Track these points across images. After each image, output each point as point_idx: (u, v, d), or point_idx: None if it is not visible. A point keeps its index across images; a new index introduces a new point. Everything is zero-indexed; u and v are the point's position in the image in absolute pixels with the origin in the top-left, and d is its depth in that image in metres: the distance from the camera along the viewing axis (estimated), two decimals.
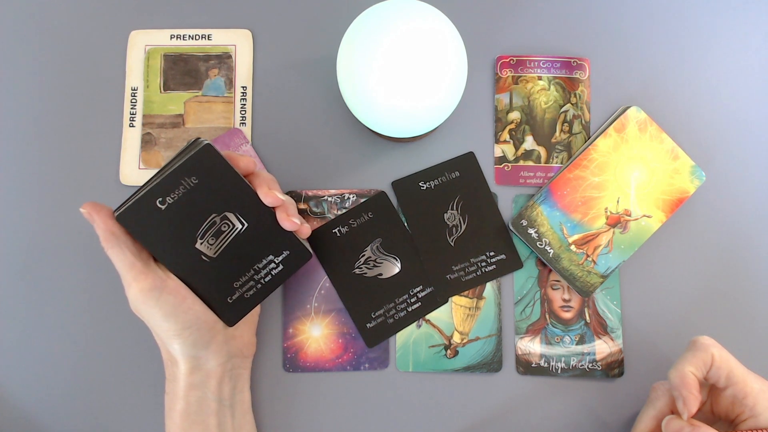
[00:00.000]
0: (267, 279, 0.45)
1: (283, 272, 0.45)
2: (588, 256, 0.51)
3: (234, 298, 0.45)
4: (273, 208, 0.44)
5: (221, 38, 0.54)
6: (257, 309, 0.49)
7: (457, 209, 0.52)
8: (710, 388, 0.44)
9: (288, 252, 0.45)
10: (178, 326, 0.42)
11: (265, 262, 0.44)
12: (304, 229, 0.45)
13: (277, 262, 0.45)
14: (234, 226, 0.43)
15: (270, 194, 0.43)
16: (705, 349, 0.41)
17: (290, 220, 0.43)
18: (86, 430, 0.50)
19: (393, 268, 0.51)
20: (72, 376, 0.51)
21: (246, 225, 0.43)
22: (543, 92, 0.54)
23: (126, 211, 0.41)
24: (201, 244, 0.43)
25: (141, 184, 0.52)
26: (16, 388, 0.51)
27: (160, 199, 0.41)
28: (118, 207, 0.42)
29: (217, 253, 0.43)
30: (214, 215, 0.42)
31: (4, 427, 0.50)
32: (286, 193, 0.52)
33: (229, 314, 0.45)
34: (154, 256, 0.43)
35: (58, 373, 0.51)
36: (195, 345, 0.43)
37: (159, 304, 0.42)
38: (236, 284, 0.44)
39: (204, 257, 0.43)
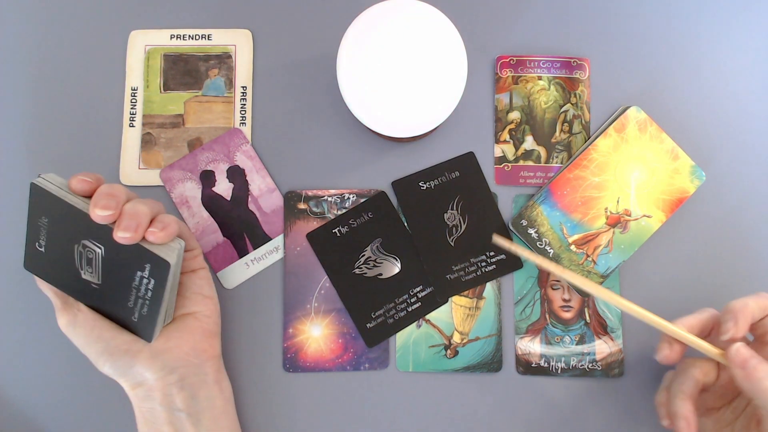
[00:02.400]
0: (149, 294, 0.42)
1: (157, 285, 0.42)
2: (588, 256, 0.51)
3: (136, 316, 0.44)
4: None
5: (221, 38, 0.54)
6: (206, 312, 0.47)
7: (457, 209, 0.52)
8: (759, 341, 0.44)
9: (149, 264, 0.41)
10: (94, 354, 0.43)
11: (137, 279, 0.42)
12: (152, 236, 0.40)
13: (146, 276, 0.42)
14: (95, 251, 0.42)
15: (93, 213, 0.39)
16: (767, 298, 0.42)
17: (118, 236, 0.39)
18: (86, 430, 0.50)
19: (393, 268, 0.51)
20: (72, 376, 0.51)
21: (102, 248, 0.42)
22: (543, 92, 0.54)
23: (25, 261, 0.44)
24: (84, 273, 0.43)
25: (141, 185, 0.52)
26: (16, 388, 0.51)
27: (38, 243, 0.43)
28: None
29: (100, 279, 0.43)
30: (76, 246, 0.42)
31: (4, 427, 0.50)
32: (286, 193, 0.52)
33: (142, 332, 0.44)
34: (63, 291, 0.44)
35: (58, 373, 0.51)
36: (116, 368, 0.43)
37: (75, 337, 0.44)
38: (129, 304, 0.43)
39: (94, 285, 0.43)
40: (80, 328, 0.43)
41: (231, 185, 0.52)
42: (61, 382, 0.51)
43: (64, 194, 0.41)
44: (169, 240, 0.41)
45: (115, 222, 0.40)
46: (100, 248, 0.42)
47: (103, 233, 0.41)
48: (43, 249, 0.43)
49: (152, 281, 0.42)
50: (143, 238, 0.40)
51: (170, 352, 0.44)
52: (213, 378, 0.46)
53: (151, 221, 0.40)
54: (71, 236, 0.42)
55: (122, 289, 0.43)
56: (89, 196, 0.41)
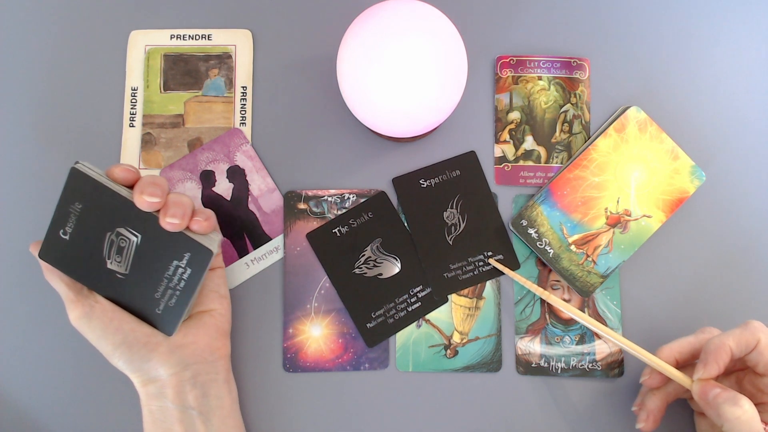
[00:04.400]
0: (182, 285, 0.43)
1: (193, 275, 0.43)
2: (588, 256, 0.51)
3: (161, 308, 0.44)
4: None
5: (221, 38, 0.54)
6: (221, 311, 0.47)
7: (456, 208, 0.52)
8: (746, 371, 0.44)
9: (189, 253, 0.42)
10: (110, 347, 0.43)
11: (172, 268, 0.43)
12: (196, 225, 0.42)
13: (183, 266, 0.43)
14: (130, 240, 0.42)
15: (139, 200, 0.40)
16: (753, 332, 0.41)
17: (166, 222, 0.40)
18: (86, 430, 0.50)
19: (393, 268, 0.51)
20: (72, 376, 0.51)
21: (139, 236, 0.42)
22: (543, 92, 0.54)
23: (42, 249, 0.43)
24: (111, 263, 0.43)
25: None
26: (16, 388, 0.51)
27: (62, 230, 0.42)
28: None
29: (128, 269, 0.43)
30: (109, 234, 0.42)
31: (4, 427, 0.50)
32: (286, 193, 0.52)
33: (164, 325, 0.44)
34: (80, 283, 0.44)
35: (58, 373, 0.51)
36: (131, 361, 0.43)
37: (90, 329, 0.43)
38: (157, 295, 0.43)
39: (119, 275, 0.43)
40: (97, 320, 0.43)
41: (231, 185, 0.52)
42: (65, 382, 0.51)
43: (106, 180, 0.41)
44: (211, 231, 0.42)
45: (158, 211, 0.41)
46: (136, 236, 0.42)
47: (142, 221, 0.41)
48: (67, 237, 0.42)
49: (188, 270, 0.42)
50: (187, 227, 0.42)
51: (187, 348, 0.45)
52: (223, 377, 0.46)
53: (193, 212, 0.42)
54: (105, 223, 0.42)
55: (152, 279, 0.43)
56: (128, 186, 0.42)
